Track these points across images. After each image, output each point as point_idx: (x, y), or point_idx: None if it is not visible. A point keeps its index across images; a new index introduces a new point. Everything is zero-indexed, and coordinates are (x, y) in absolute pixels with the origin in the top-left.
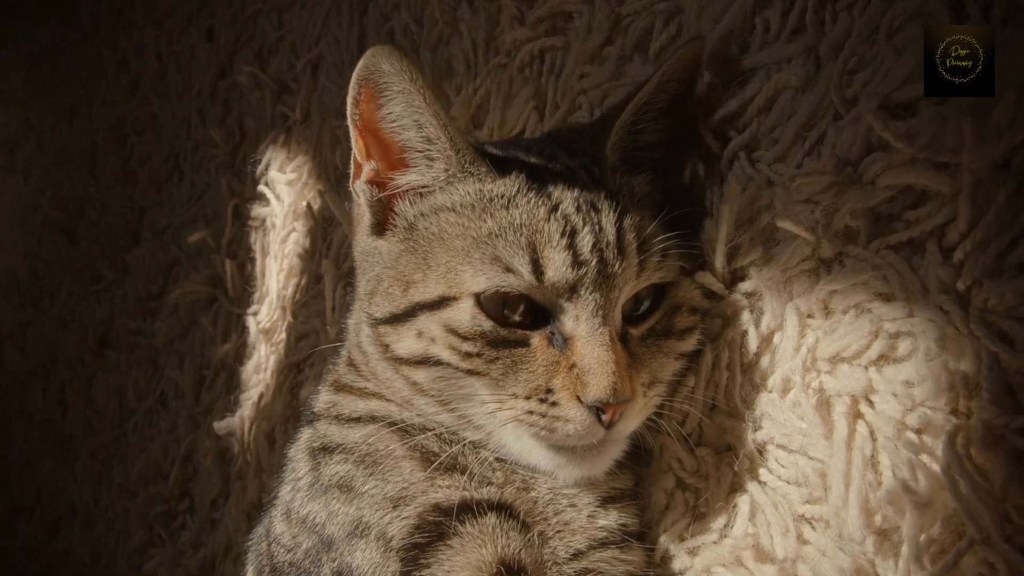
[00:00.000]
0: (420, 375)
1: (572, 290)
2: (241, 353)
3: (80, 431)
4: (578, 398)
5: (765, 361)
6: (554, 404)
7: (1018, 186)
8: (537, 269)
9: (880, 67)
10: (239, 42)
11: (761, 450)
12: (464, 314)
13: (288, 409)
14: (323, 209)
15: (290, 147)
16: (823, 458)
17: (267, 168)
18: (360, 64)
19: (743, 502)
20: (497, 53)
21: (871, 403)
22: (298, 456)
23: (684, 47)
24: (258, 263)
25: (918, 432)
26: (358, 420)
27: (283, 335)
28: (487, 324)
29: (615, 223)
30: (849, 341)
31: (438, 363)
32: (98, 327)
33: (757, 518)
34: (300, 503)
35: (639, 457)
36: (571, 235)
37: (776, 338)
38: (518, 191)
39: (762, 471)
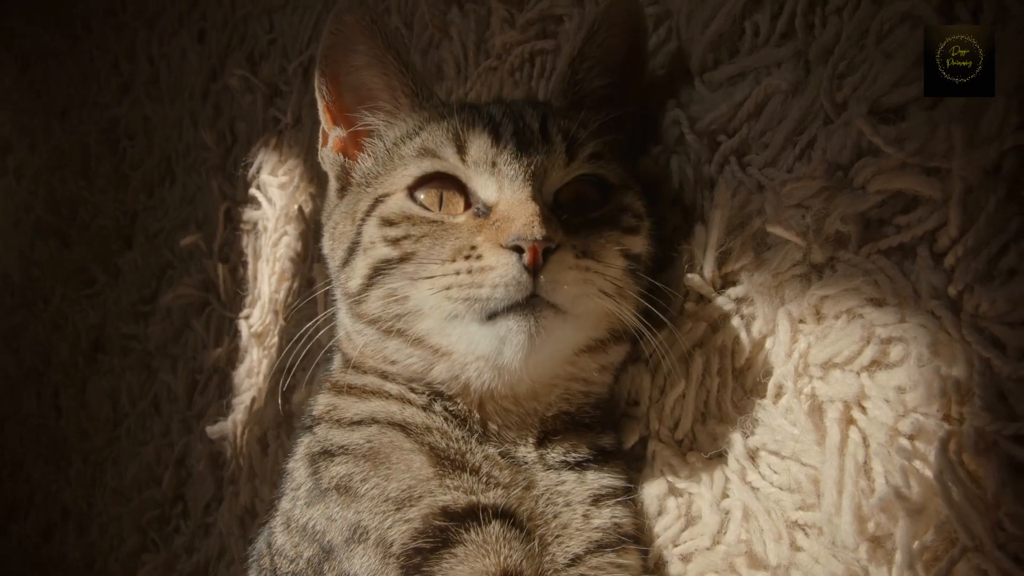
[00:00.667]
0: (373, 302)
1: (493, 164)
2: (233, 357)
3: (73, 435)
4: (500, 245)
5: (757, 367)
6: (478, 258)
7: (1008, 191)
8: (461, 150)
9: (870, 71)
10: (230, 45)
11: (753, 456)
12: (395, 202)
13: (280, 413)
14: (314, 213)
15: (282, 150)
16: (816, 464)
17: (259, 171)
18: (326, 30)
19: (736, 508)
20: (488, 56)
21: (863, 409)
22: (297, 465)
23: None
24: (250, 267)
25: (911, 438)
26: (360, 423)
27: (275, 339)
28: (414, 208)
29: (539, 120)
30: (841, 347)
31: (380, 269)
32: (91, 331)
33: (750, 524)
34: (300, 511)
35: (631, 462)
36: (494, 126)
37: (768, 343)
38: (454, 108)
39: (754, 477)
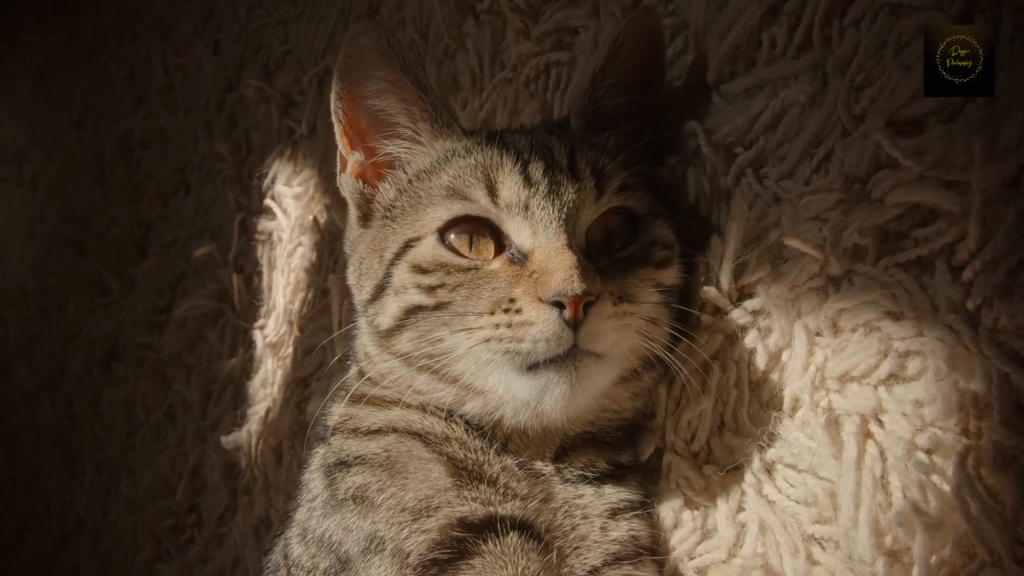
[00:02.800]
0: (404, 340)
1: (526, 207)
2: (248, 367)
3: (88, 445)
4: (539, 299)
5: (773, 379)
6: (518, 311)
7: None
8: (492, 193)
9: (888, 83)
10: (245, 56)
11: (770, 469)
12: (427, 248)
13: (295, 424)
14: (329, 223)
15: (296, 161)
16: (832, 478)
17: (273, 182)
18: (342, 51)
19: (752, 521)
20: (503, 68)
21: (881, 423)
22: (312, 476)
23: (632, 16)
24: (265, 277)
25: (928, 452)
26: (377, 432)
27: (290, 349)
28: (447, 255)
29: (567, 155)
30: (858, 360)
31: (412, 312)
32: (106, 340)
33: (766, 538)
34: (316, 522)
35: (647, 474)
36: (523, 164)
37: (784, 356)
38: (478, 143)
39: (771, 490)
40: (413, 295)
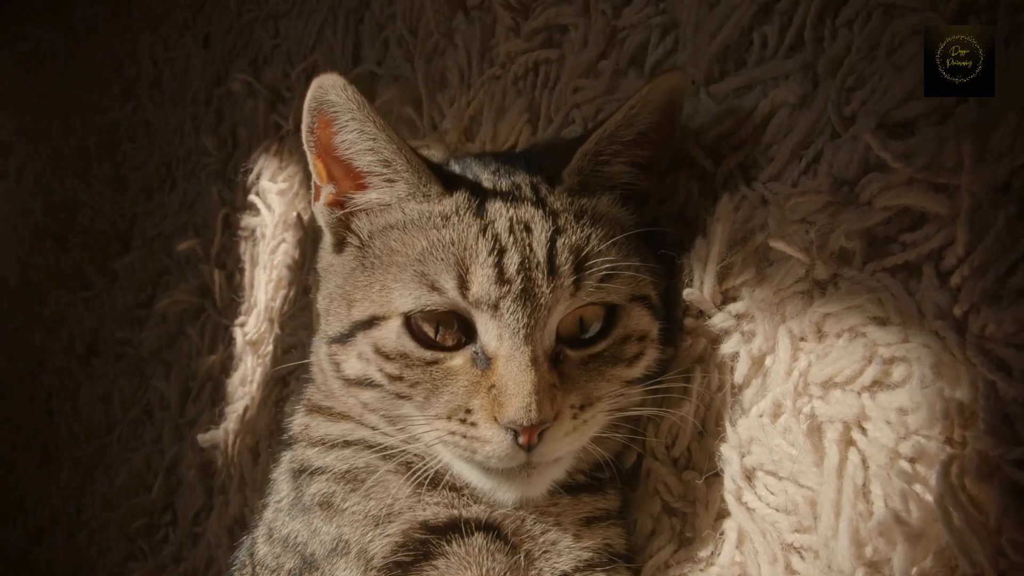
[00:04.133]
0: (365, 395)
1: (495, 308)
2: (227, 365)
3: (65, 440)
4: (495, 419)
5: (756, 384)
6: (473, 424)
7: (1018, 210)
8: (463, 285)
9: (879, 84)
10: (235, 50)
11: (750, 476)
12: (391, 334)
13: (273, 423)
14: (313, 220)
15: (282, 157)
16: (813, 486)
17: (258, 177)
18: (309, 95)
19: (730, 529)
20: (492, 65)
21: (864, 430)
22: (280, 478)
23: (658, 79)
24: (247, 273)
25: (911, 461)
26: (333, 445)
27: (270, 347)
28: (410, 345)
29: (547, 243)
30: (842, 366)
31: (375, 385)
32: (86, 335)
33: (745, 546)
34: (282, 522)
35: (626, 479)
36: (499, 254)
37: (768, 361)
38: (456, 210)
39: (751, 497)
40: (375, 374)
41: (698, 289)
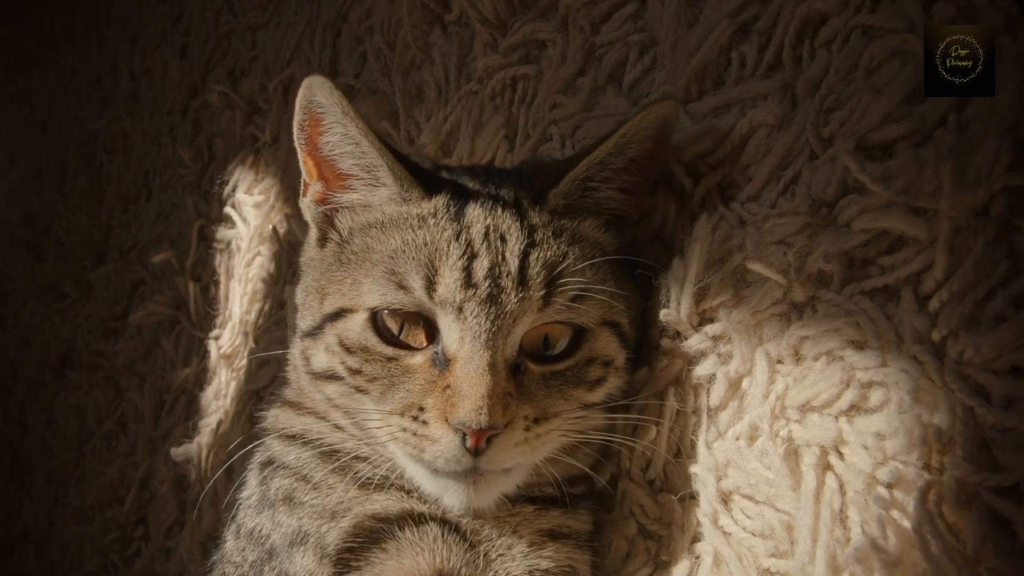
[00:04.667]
0: (329, 389)
1: (459, 310)
2: (201, 378)
3: (38, 452)
4: (446, 419)
5: (732, 407)
6: (424, 423)
7: (997, 234)
8: (430, 286)
9: (858, 106)
10: (212, 61)
11: (726, 499)
12: (355, 326)
13: (247, 438)
14: (289, 234)
15: (258, 169)
16: (790, 510)
17: (234, 190)
18: (300, 93)
19: (706, 553)
20: (469, 80)
21: (841, 455)
22: (250, 473)
23: (651, 107)
24: (222, 286)
25: (889, 487)
26: (294, 438)
27: (244, 361)
28: (372, 340)
29: (520, 255)
30: (820, 389)
31: (337, 378)
32: (60, 346)
33: (720, 570)
34: (249, 518)
35: (601, 501)
36: (469, 258)
37: (744, 383)
38: (433, 213)
39: (727, 521)
40: (338, 366)
41: (675, 310)
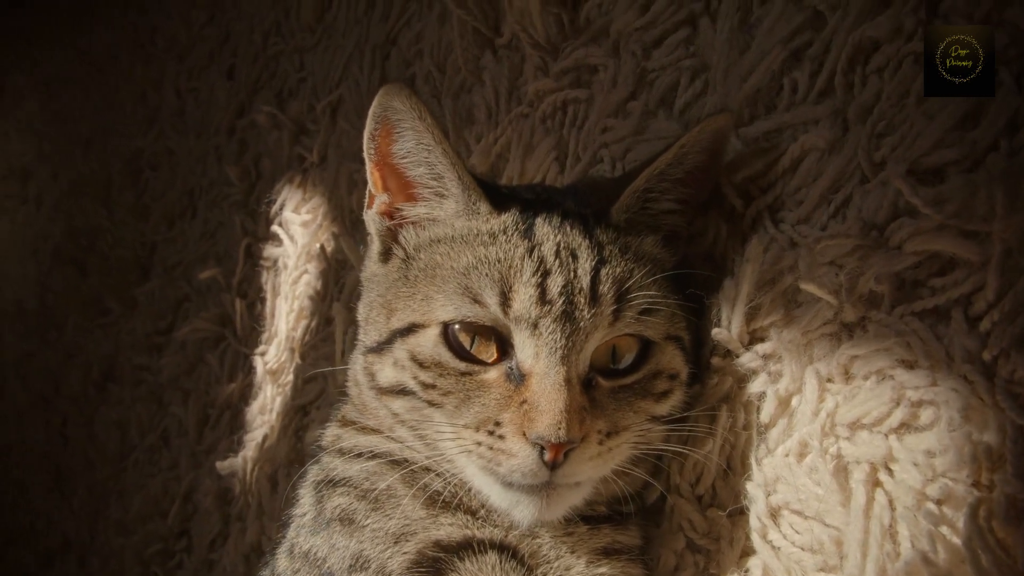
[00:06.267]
0: (397, 404)
1: (535, 326)
2: (247, 393)
3: (79, 465)
4: (524, 434)
5: (782, 424)
6: (501, 437)
7: None
8: (504, 302)
9: (909, 131)
10: (259, 82)
11: (775, 514)
12: (428, 341)
13: (292, 452)
14: (336, 252)
15: (306, 188)
16: (839, 525)
17: (282, 208)
18: (375, 101)
19: (755, 567)
20: (519, 103)
21: (890, 471)
22: (304, 492)
23: (708, 120)
24: (268, 303)
25: (938, 503)
26: (360, 455)
27: (290, 377)
28: (446, 355)
29: (591, 271)
30: (870, 407)
31: (408, 392)
32: (103, 361)
33: None
34: (304, 538)
35: (650, 515)
36: (543, 275)
37: (794, 401)
38: (504, 230)
39: (775, 536)
40: (409, 381)
41: (726, 329)
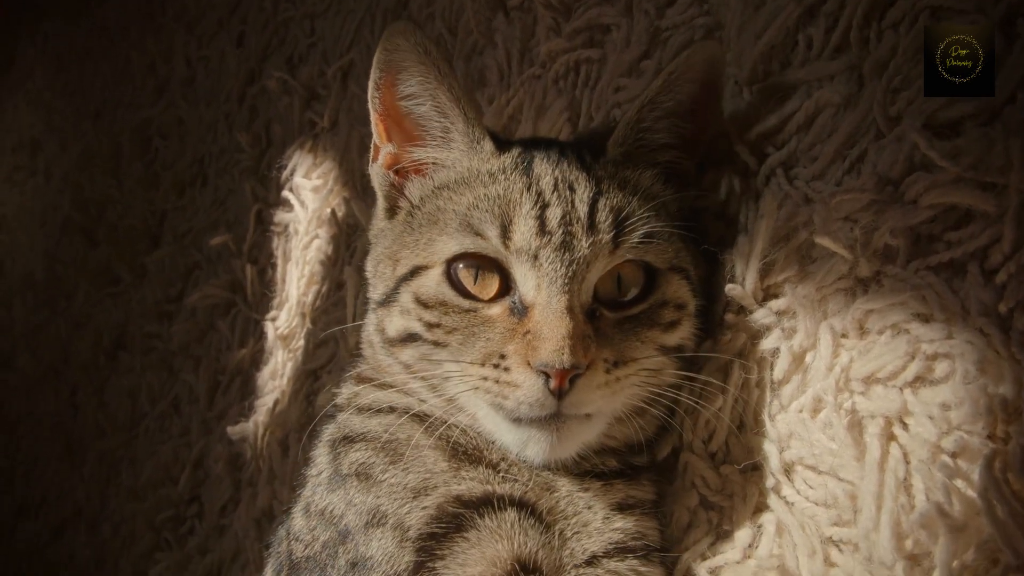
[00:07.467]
0: (406, 354)
1: (535, 258)
2: (258, 359)
3: (90, 434)
4: (528, 363)
5: (796, 380)
6: (506, 370)
7: None
8: (505, 235)
9: None
10: (269, 48)
11: (789, 470)
12: (431, 281)
13: (303, 416)
14: (347, 216)
15: (317, 154)
16: (854, 480)
17: (292, 174)
18: (380, 44)
19: (769, 522)
20: (531, 64)
21: (905, 425)
22: (319, 452)
23: (696, 46)
24: (279, 269)
25: (953, 456)
26: (379, 410)
27: (301, 341)
28: (449, 293)
29: (589, 202)
30: (884, 362)
31: (415, 337)
32: (113, 330)
33: (783, 539)
34: (320, 496)
35: (662, 472)
36: (542, 207)
37: (808, 357)
38: (503, 169)
39: (789, 491)
40: (414, 324)
41: (740, 285)
